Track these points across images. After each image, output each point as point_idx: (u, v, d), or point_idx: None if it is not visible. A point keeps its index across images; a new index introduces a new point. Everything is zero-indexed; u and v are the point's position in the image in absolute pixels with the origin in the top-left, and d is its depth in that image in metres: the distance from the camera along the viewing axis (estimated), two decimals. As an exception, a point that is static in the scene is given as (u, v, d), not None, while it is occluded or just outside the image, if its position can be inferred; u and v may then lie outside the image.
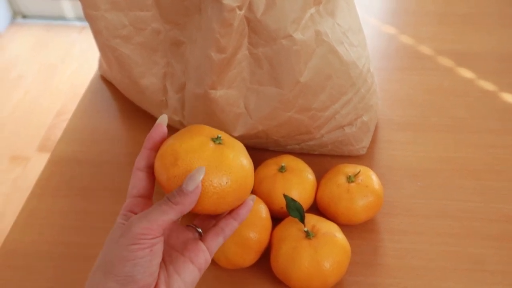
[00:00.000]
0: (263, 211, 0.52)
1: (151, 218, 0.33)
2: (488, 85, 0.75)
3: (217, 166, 0.36)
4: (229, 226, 0.40)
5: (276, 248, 0.50)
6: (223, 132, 0.40)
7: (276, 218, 0.54)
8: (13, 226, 0.59)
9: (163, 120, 0.39)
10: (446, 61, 0.80)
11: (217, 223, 0.40)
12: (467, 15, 0.90)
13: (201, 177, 0.34)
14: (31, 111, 1.87)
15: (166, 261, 0.37)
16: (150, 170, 0.39)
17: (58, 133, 1.77)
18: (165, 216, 0.33)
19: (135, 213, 0.36)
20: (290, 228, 0.50)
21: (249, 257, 0.50)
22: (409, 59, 0.81)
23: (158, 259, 0.33)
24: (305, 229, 0.49)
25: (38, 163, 1.68)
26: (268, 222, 0.52)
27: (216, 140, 0.38)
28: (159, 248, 0.33)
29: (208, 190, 0.35)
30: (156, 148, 0.39)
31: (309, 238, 0.48)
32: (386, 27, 0.88)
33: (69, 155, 0.67)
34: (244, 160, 0.38)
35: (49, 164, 0.66)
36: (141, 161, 0.38)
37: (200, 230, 0.41)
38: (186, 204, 0.33)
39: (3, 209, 1.53)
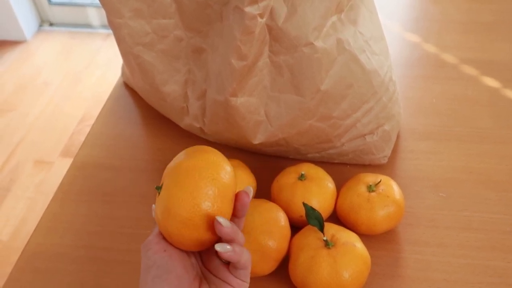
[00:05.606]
0: (282, 220, 0.51)
1: (151, 234, 0.39)
2: (514, 95, 0.74)
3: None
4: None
5: (295, 257, 0.49)
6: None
7: (295, 227, 0.54)
8: (35, 229, 0.60)
9: None
10: (470, 70, 0.79)
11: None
12: (492, 24, 0.88)
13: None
14: (55, 117, 1.91)
15: (209, 281, 0.39)
16: None
17: (81, 138, 1.80)
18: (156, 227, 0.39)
19: None
20: (309, 236, 0.50)
21: (268, 266, 0.50)
22: (433, 68, 0.80)
23: (178, 261, 0.37)
24: (324, 238, 0.48)
25: (61, 168, 1.71)
26: (287, 231, 0.51)
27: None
28: (172, 250, 0.38)
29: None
30: None
31: (328, 248, 0.48)
32: (409, 35, 0.87)
33: (91, 160, 0.68)
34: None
35: (71, 169, 0.67)
36: None
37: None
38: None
39: (27, 212, 1.56)
